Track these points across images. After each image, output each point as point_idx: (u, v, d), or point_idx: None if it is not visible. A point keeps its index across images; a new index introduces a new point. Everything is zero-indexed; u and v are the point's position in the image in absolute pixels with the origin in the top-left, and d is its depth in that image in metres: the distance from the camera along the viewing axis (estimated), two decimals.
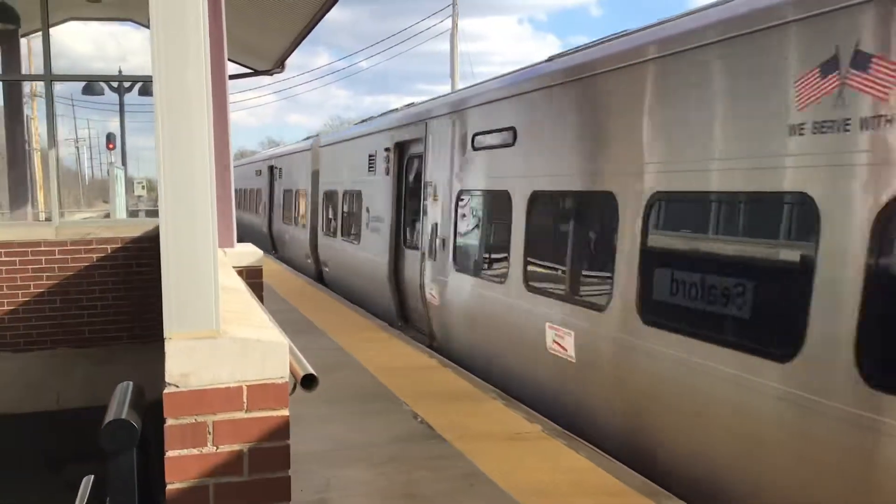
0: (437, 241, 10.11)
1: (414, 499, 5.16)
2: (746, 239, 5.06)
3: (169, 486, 2.18)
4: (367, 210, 13.62)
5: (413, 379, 8.15)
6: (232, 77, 17.36)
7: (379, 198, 12.93)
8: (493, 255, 8.88)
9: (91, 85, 15.08)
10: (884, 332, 4.06)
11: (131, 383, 2.60)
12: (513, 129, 8.01)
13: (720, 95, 5.14)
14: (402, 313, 11.91)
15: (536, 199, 7.67)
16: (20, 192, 13.30)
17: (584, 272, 7.09)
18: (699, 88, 5.29)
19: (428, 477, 5.50)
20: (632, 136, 6.02)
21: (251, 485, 2.26)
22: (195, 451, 2.22)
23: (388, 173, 12.39)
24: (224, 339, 2.23)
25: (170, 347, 2.19)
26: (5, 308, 8.41)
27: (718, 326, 5.13)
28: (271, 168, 25.18)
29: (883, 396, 3.95)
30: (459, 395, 7.58)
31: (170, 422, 2.21)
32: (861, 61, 4.09)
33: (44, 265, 8.54)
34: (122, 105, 16.82)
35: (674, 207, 5.70)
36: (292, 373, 2.54)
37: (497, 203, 8.53)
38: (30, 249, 8.50)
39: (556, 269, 7.51)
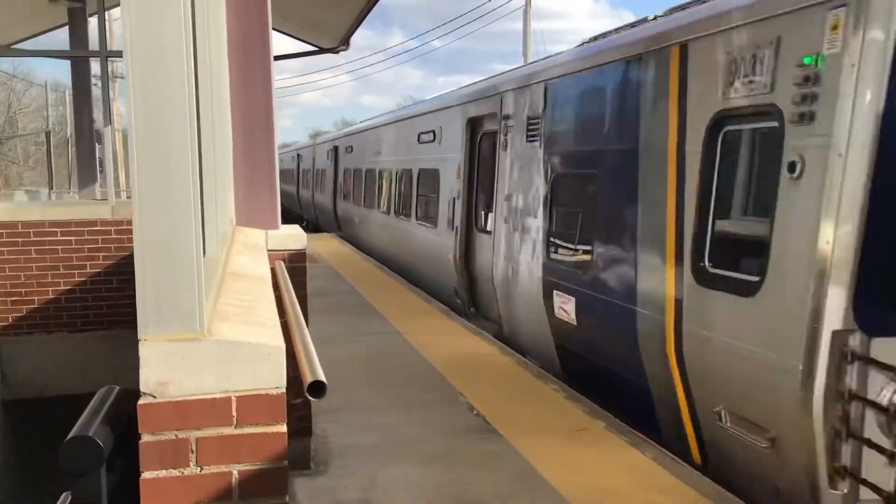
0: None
1: (464, 503, 4.81)
2: None
3: None
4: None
5: (472, 367, 7.79)
6: (298, 55, 17.24)
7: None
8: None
9: None
10: None
11: (117, 388, 2.30)
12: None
13: None
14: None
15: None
16: (87, 172, 13.40)
17: None
18: None
19: (480, 477, 5.13)
20: None
21: None
22: (175, 473, 1.89)
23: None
24: (208, 341, 1.89)
25: (144, 351, 1.86)
26: (61, 288, 8.34)
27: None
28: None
29: None
30: (519, 386, 7.19)
31: (146, 438, 1.88)
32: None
33: (100, 245, 8.44)
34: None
35: None
36: (300, 377, 2.19)
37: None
38: (86, 229, 8.41)
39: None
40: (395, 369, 7.77)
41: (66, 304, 8.40)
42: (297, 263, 5.10)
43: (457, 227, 11.34)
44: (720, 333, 5.30)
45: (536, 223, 8.55)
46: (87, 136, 13.32)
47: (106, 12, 13.04)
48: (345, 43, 15.76)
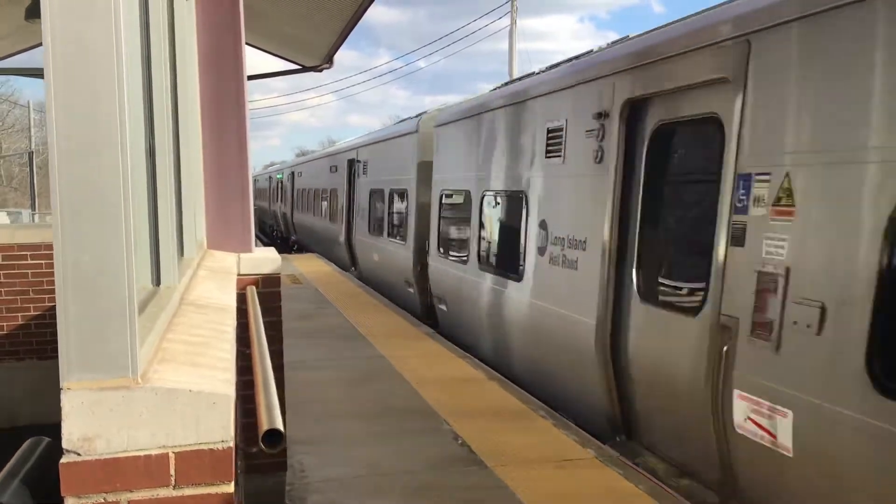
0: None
1: None
2: None
3: None
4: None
5: (458, 392, 7.52)
6: (280, 73, 17.04)
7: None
8: None
9: None
10: None
11: (46, 440, 2.04)
12: None
13: None
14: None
15: None
16: None
17: None
18: None
19: None
20: None
21: None
22: None
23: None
24: (142, 389, 1.63)
25: (67, 402, 1.60)
26: (31, 313, 8.05)
27: None
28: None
29: None
30: (505, 413, 6.92)
31: (70, 501, 1.62)
32: None
33: None
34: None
35: None
36: (257, 426, 1.93)
37: None
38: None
39: None
40: (379, 395, 7.49)
41: (36, 329, 8.10)
42: (271, 288, 4.84)
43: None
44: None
45: None
46: None
47: None
48: (328, 61, 15.56)
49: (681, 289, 5.98)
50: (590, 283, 6.71)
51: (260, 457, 4.77)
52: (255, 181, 54.53)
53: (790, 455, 4.50)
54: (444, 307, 11.39)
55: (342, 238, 19.98)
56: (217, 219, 4.99)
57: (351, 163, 19.37)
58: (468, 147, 10.50)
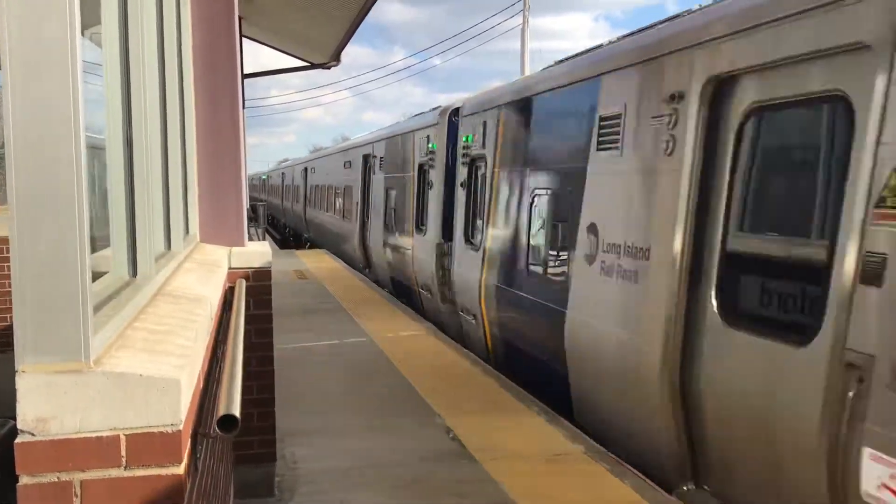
0: None
1: None
2: None
3: None
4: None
5: (454, 386, 7.58)
6: (288, 70, 17.14)
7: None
8: None
9: None
10: None
11: (12, 422, 2.10)
12: None
13: None
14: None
15: None
16: None
17: None
18: None
19: None
20: None
21: None
22: None
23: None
24: (94, 373, 1.70)
25: (22, 384, 1.67)
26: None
27: None
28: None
29: None
30: (499, 407, 6.98)
31: (24, 480, 1.69)
32: None
33: None
34: None
35: None
36: (213, 411, 2.00)
37: None
38: None
39: None
40: (376, 390, 7.56)
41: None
42: (261, 282, 4.91)
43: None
44: None
45: None
46: None
47: None
48: (336, 59, 15.65)
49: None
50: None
51: (249, 447, 4.85)
52: (268, 178, 54.40)
53: None
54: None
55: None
56: (210, 212, 5.06)
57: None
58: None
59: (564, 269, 7.27)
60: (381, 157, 16.73)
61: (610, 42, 7.56)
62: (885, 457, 3.69)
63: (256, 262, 4.95)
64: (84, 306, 1.68)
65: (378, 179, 16.69)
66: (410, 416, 6.74)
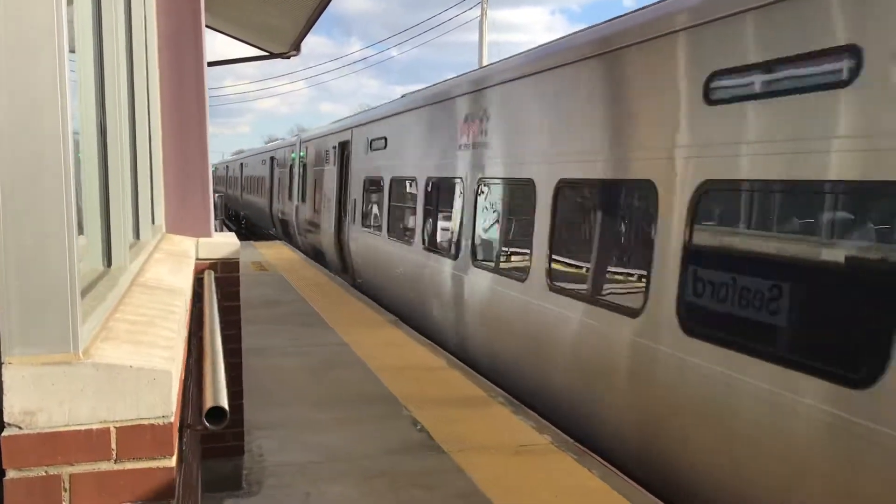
0: None
1: None
2: None
3: None
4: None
5: (419, 380, 7.58)
6: (247, 59, 16.93)
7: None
8: None
9: None
10: None
11: None
12: None
13: None
14: None
15: None
16: None
17: None
18: None
19: (420, 497, 4.92)
20: None
21: None
22: None
23: None
24: (83, 365, 1.67)
25: (8, 376, 1.63)
26: None
27: None
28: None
29: None
30: (465, 400, 7.00)
31: (11, 474, 1.65)
32: None
33: None
34: None
35: None
36: (200, 404, 1.97)
37: None
38: None
39: None
40: (340, 382, 7.53)
41: None
42: (229, 273, 4.85)
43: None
44: None
45: None
46: None
47: None
48: (296, 48, 15.49)
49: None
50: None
51: (219, 440, 4.80)
52: (226, 168, 53.71)
53: None
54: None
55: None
56: (176, 203, 4.98)
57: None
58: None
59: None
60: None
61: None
62: None
63: (223, 253, 4.89)
64: (73, 295, 1.65)
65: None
66: (377, 407, 6.73)
